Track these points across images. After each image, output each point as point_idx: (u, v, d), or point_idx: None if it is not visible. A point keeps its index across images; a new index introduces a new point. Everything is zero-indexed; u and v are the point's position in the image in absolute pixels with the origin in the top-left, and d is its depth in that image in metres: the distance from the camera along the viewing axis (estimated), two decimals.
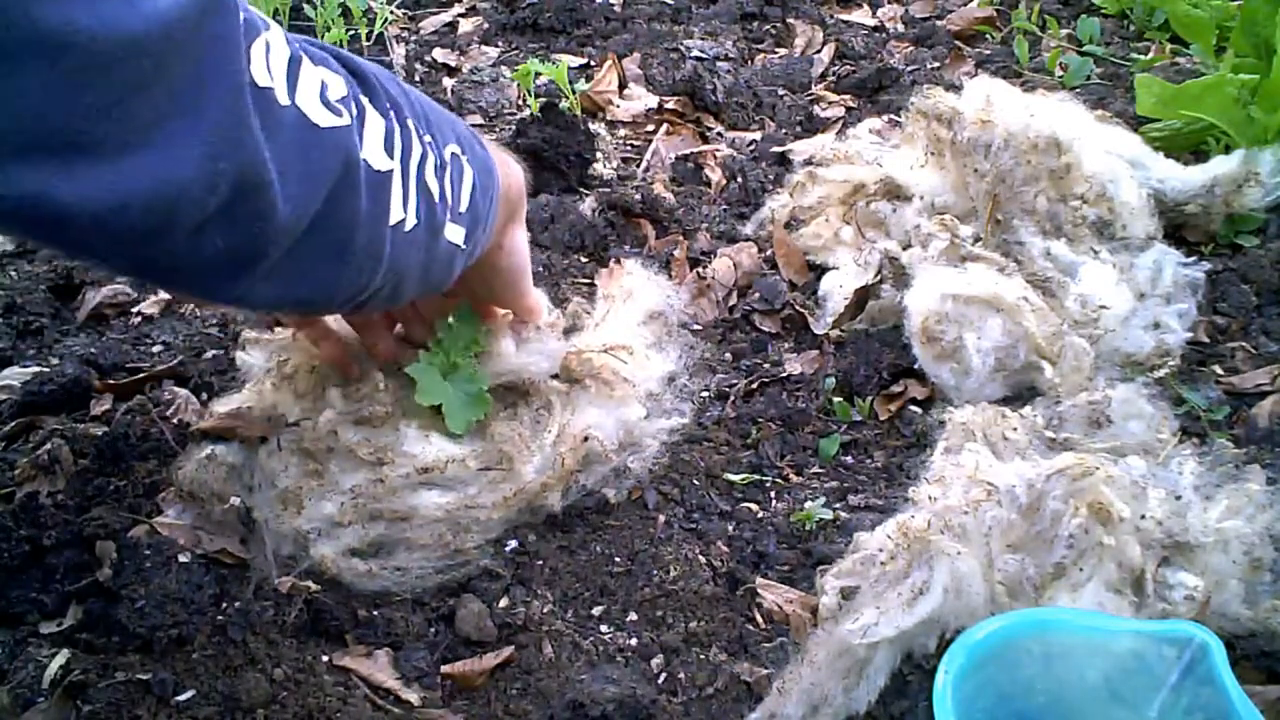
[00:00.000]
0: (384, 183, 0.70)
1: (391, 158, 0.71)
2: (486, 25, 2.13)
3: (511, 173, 0.95)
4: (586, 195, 1.51)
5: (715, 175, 1.58)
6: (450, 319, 1.02)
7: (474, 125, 1.74)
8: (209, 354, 1.22)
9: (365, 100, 0.71)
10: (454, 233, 0.81)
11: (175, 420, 1.08)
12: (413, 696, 0.87)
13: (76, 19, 0.47)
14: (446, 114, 0.85)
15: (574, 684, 0.86)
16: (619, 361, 1.05)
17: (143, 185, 0.52)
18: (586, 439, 1.00)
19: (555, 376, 1.06)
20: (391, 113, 0.73)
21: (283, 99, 0.61)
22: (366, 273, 0.72)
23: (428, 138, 0.78)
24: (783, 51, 2.00)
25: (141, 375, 1.18)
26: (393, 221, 0.72)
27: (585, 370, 1.04)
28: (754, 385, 1.20)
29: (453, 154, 0.81)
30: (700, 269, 1.35)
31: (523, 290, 1.03)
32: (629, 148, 1.68)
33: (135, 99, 0.51)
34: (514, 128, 1.61)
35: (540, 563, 0.98)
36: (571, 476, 1.00)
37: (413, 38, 2.08)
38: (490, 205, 0.87)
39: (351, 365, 1.03)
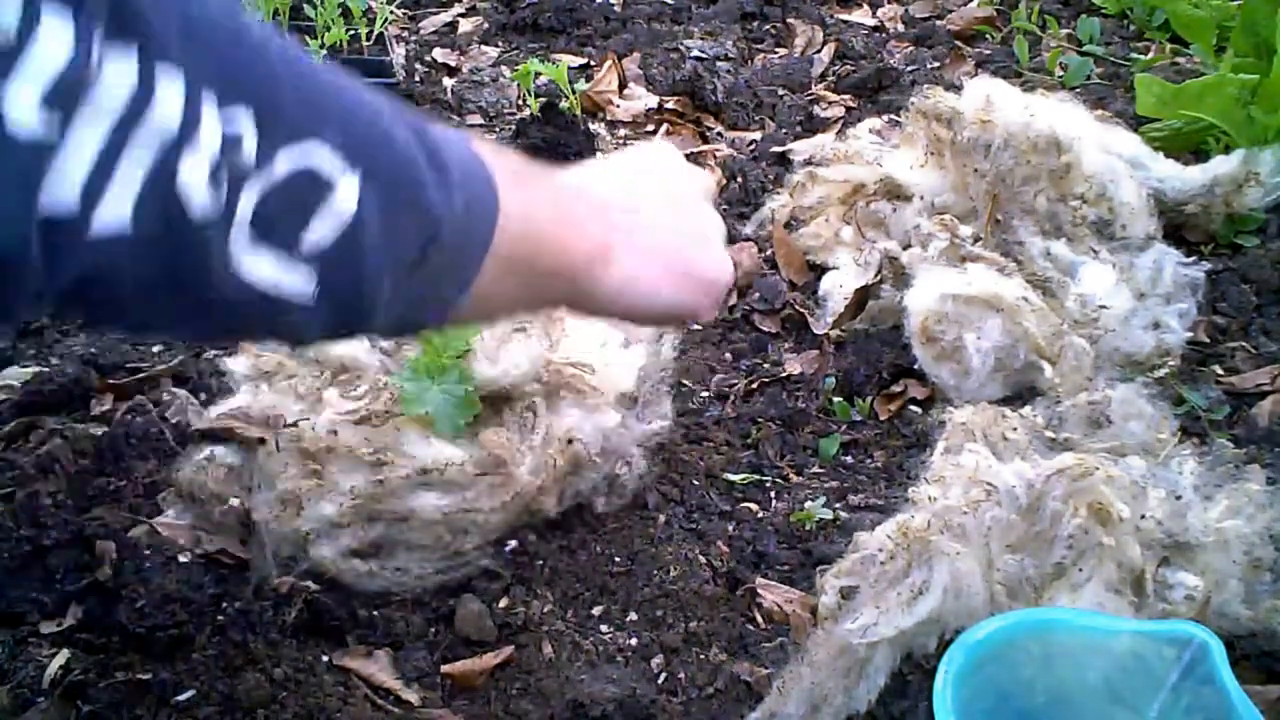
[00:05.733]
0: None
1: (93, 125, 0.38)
2: (486, 25, 2.13)
3: (586, 234, 0.64)
4: None
5: (715, 175, 1.58)
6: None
7: (474, 125, 1.74)
8: (209, 354, 1.22)
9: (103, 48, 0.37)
10: (262, 267, 0.44)
11: (175, 420, 1.08)
12: (413, 696, 0.87)
13: None
14: (386, 110, 0.49)
15: (574, 684, 0.86)
16: (585, 373, 1.04)
17: None
18: (571, 441, 1.00)
19: (537, 381, 1.05)
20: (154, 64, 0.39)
21: None
22: None
23: (249, 123, 0.42)
24: (783, 51, 2.00)
25: (141, 375, 1.18)
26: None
27: (557, 381, 1.03)
28: (754, 385, 1.20)
29: (322, 161, 0.45)
30: None
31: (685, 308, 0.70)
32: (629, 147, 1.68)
33: None
34: (514, 128, 1.60)
35: (540, 563, 0.98)
36: (565, 479, 1.00)
37: (413, 38, 2.08)
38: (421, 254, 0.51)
39: None
